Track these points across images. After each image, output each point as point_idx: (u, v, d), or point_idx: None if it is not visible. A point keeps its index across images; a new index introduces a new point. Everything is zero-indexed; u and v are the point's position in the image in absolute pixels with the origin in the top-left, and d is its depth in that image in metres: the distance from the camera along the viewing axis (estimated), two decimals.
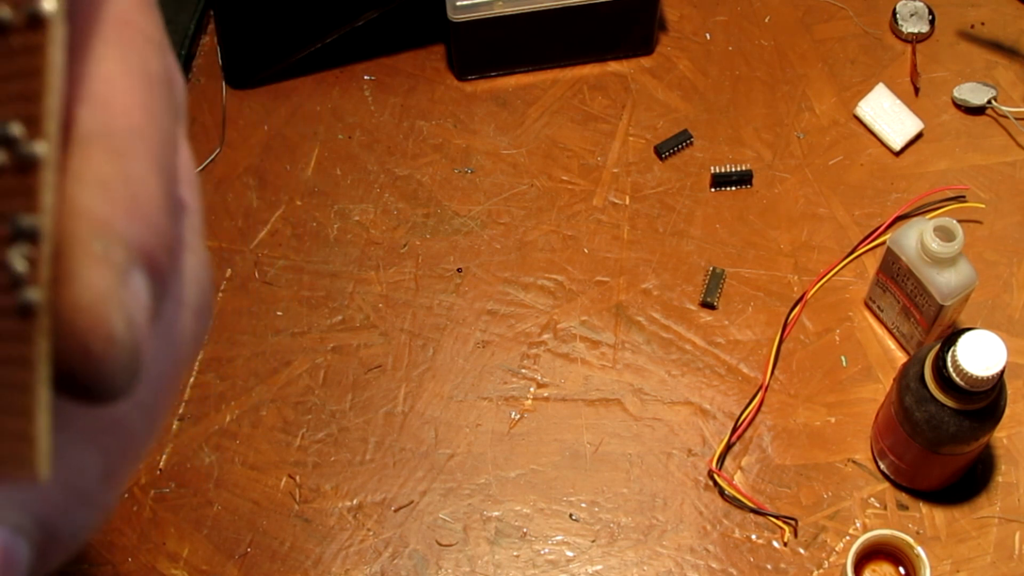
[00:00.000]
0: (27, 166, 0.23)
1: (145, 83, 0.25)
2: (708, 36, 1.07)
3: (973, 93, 1.02)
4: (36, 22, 0.23)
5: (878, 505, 0.88)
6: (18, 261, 0.23)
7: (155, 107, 0.25)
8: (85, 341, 0.23)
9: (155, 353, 0.26)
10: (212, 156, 1.03)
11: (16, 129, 0.24)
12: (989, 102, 1.02)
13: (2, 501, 0.24)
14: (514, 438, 0.91)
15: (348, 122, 1.04)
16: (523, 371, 0.94)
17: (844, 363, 0.93)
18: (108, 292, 0.23)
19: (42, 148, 0.23)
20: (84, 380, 0.23)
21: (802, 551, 0.87)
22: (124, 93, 0.25)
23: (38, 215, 0.23)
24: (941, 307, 0.84)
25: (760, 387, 0.92)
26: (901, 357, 0.93)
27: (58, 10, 0.23)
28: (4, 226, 0.24)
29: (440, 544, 0.88)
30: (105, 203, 0.24)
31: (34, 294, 0.23)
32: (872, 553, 0.85)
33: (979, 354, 0.75)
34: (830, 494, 0.88)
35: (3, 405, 0.24)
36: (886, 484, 0.89)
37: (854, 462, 0.90)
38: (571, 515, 0.89)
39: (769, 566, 0.86)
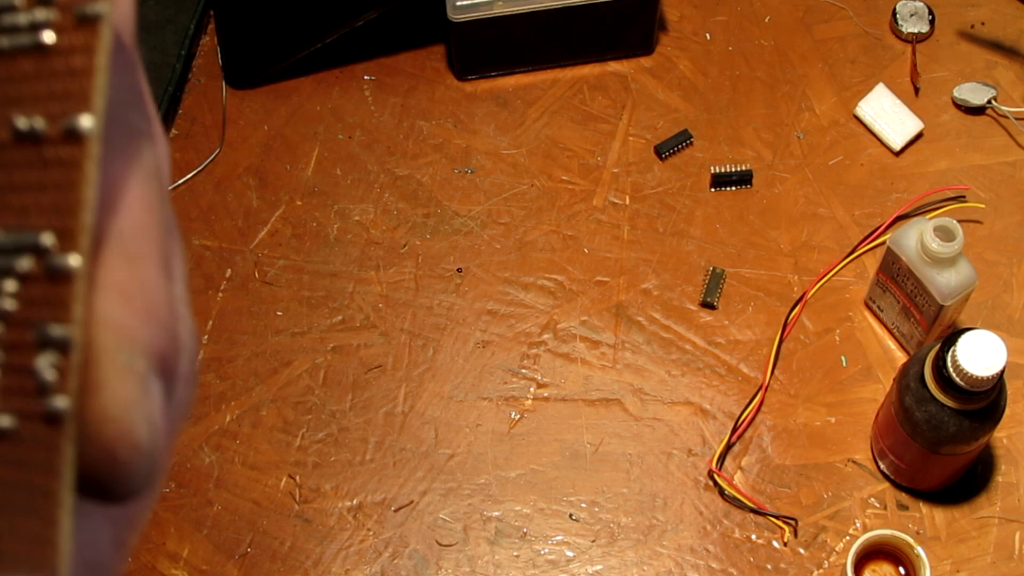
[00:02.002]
0: (58, 277, 0.24)
1: (146, 185, 0.26)
2: (708, 36, 1.07)
3: (973, 93, 1.02)
4: (73, 136, 0.24)
5: (878, 505, 0.88)
6: (47, 370, 0.24)
7: (154, 206, 0.26)
8: (112, 449, 0.24)
9: None
10: (212, 156, 1.03)
11: (47, 239, 0.24)
12: (989, 102, 1.02)
13: None
14: (514, 438, 0.91)
15: (348, 122, 1.04)
16: (523, 371, 0.94)
17: (844, 363, 0.93)
18: (134, 402, 0.24)
19: (76, 261, 0.24)
20: (108, 484, 0.24)
21: (802, 551, 0.87)
22: (130, 195, 0.25)
23: (69, 326, 0.24)
24: (941, 307, 0.84)
25: (760, 387, 0.92)
26: (901, 357, 0.93)
27: (96, 128, 0.24)
28: (30, 333, 0.24)
29: (440, 544, 0.88)
30: (126, 312, 0.24)
31: (62, 402, 0.24)
32: (872, 553, 0.85)
33: (979, 354, 0.75)
34: (830, 494, 0.88)
35: (25, 507, 0.24)
36: (886, 484, 0.89)
37: (854, 462, 0.90)
38: (571, 515, 0.89)
39: (769, 566, 0.86)
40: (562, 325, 0.95)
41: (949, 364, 0.76)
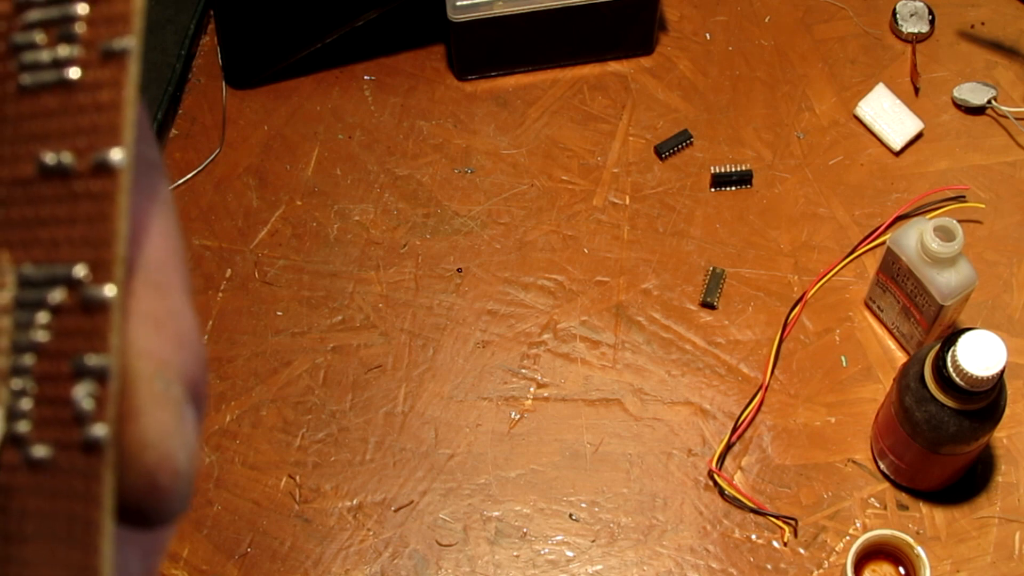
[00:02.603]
0: (93, 308, 0.24)
1: (165, 216, 0.27)
2: (708, 36, 1.07)
3: (973, 93, 1.02)
4: (104, 170, 0.24)
5: (878, 505, 0.88)
6: (85, 399, 0.24)
7: (173, 236, 0.27)
8: (153, 475, 0.24)
9: None
10: (212, 156, 1.03)
11: (81, 271, 0.24)
12: (989, 102, 1.02)
13: None
14: (514, 438, 0.91)
15: (348, 122, 1.04)
16: (523, 371, 0.94)
17: (844, 363, 0.93)
18: (172, 428, 0.25)
19: (110, 292, 0.24)
20: (148, 511, 0.25)
21: (802, 551, 0.87)
22: (152, 226, 0.26)
23: (107, 355, 0.24)
24: (941, 307, 0.84)
25: (760, 387, 0.92)
26: (901, 357, 0.93)
27: (127, 160, 0.24)
28: (64, 363, 0.24)
29: (440, 544, 0.88)
30: (159, 340, 0.25)
31: (101, 430, 0.24)
32: (872, 553, 0.85)
33: (979, 354, 0.75)
34: (830, 494, 0.88)
35: (65, 537, 0.24)
36: (886, 484, 0.89)
37: (854, 462, 0.90)
38: (571, 515, 0.89)
39: (769, 566, 0.86)
40: (562, 325, 0.95)
41: (949, 364, 0.76)
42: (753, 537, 0.87)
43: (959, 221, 0.84)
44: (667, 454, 0.90)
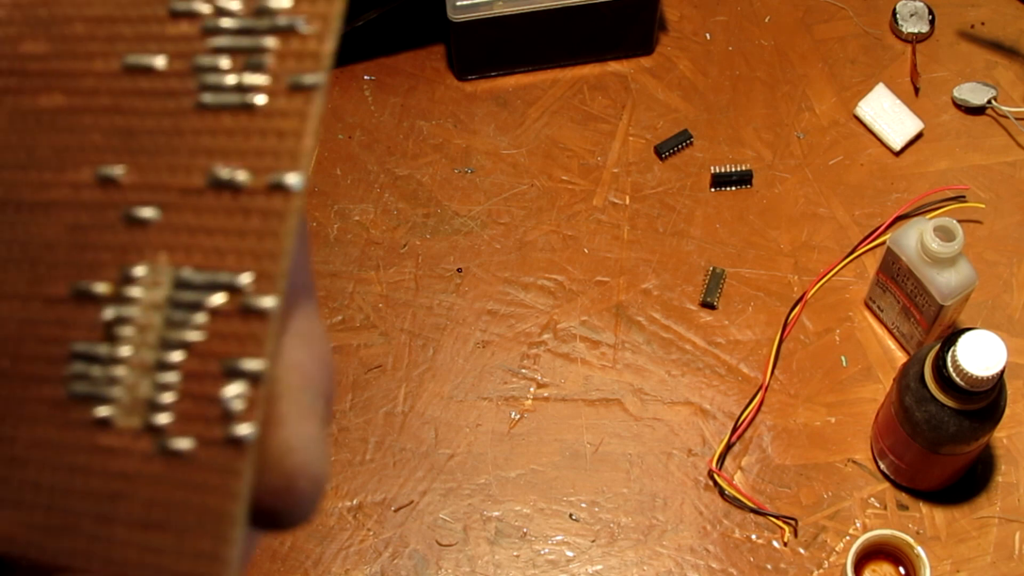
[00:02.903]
0: (252, 315, 0.26)
1: (305, 245, 0.29)
2: (708, 36, 1.07)
3: (973, 93, 1.02)
4: (280, 190, 0.26)
5: (878, 505, 0.88)
6: (235, 399, 0.25)
7: (310, 265, 0.29)
8: (292, 479, 0.26)
9: None
10: None
11: (245, 280, 0.26)
12: (989, 102, 1.02)
13: None
14: (514, 438, 0.91)
15: (348, 122, 1.04)
16: (523, 371, 0.94)
17: (844, 363, 0.93)
18: (315, 438, 0.26)
19: (271, 303, 0.26)
20: (281, 512, 0.26)
21: (802, 551, 0.87)
22: (298, 253, 0.28)
23: (261, 361, 0.25)
24: (941, 307, 0.84)
25: (760, 387, 0.92)
26: (901, 357, 0.93)
27: (302, 184, 0.26)
28: (215, 364, 0.26)
29: (440, 544, 0.88)
30: (309, 357, 0.27)
31: (247, 430, 0.25)
32: (872, 553, 0.85)
33: (979, 354, 0.75)
34: (830, 494, 0.88)
35: (195, 527, 0.25)
36: (886, 484, 0.89)
37: (854, 462, 0.90)
38: (571, 515, 0.89)
39: (769, 566, 0.86)
40: (562, 325, 0.95)
41: (949, 364, 0.76)
42: (753, 537, 0.87)
43: (959, 221, 0.84)
44: (667, 454, 0.90)
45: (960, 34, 1.06)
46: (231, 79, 0.27)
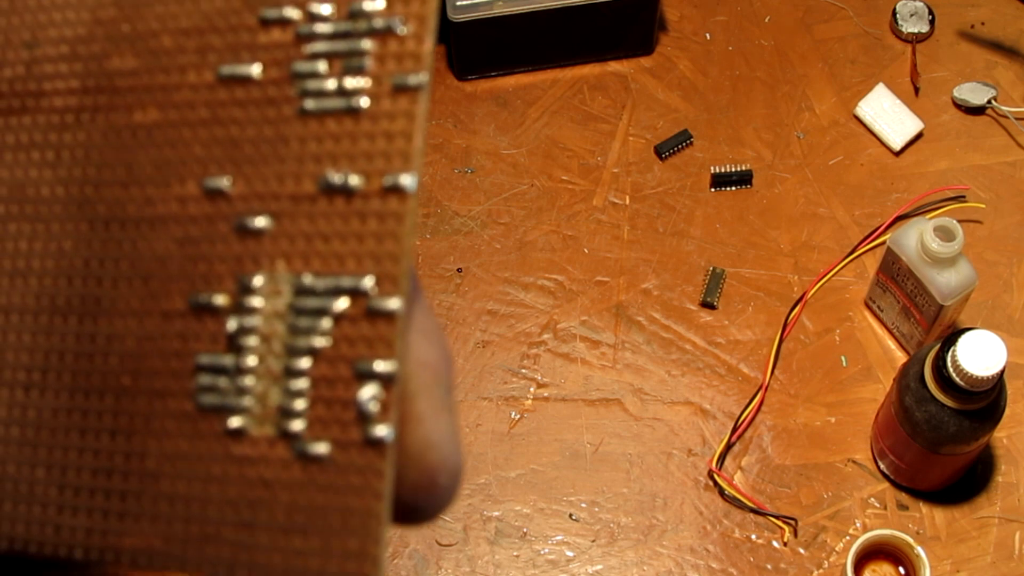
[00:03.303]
0: (378, 318, 0.26)
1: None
2: (708, 36, 1.07)
3: (973, 93, 1.02)
4: (395, 192, 0.26)
5: (878, 505, 0.88)
6: (370, 402, 0.26)
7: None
8: (433, 475, 0.26)
9: None
10: None
11: (368, 283, 0.26)
12: (989, 102, 1.02)
13: None
14: (514, 438, 0.91)
15: None
16: (523, 371, 0.94)
17: (844, 363, 0.93)
18: (452, 432, 0.27)
19: (396, 304, 0.26)
20: (423, 507, 0.27)
21: (802, 551, 0.87)
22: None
23: (392, 362, 0.26)
24: (941, 307, 0.84)
25: (760, 387, 0.92)
26: (901, 357, 0.93)
27: (416, 184, 0.26)
28: (346, 368, 0.26)
29: (440, 544, 0.88)
30: (435, 353, 0.27)
31: (384, 430, 0.26)
32: (872, 553, 0.85)
33: (979, 354, 0.75)
34: (830, 494, 0.88)
35: (342, 528, 0.26)
36: (886, 484, 0.89)
37: (854, 462, 0.90)
38: (571, 515, 0.89)
39: (769, 566, 0.86)
40: (562, 325, 0.95)
41: (949, 364, 0.76)
42: (753, 537, 0.87)
43: (959, 221, 0.84)
44: (667, 454, 0.90)
45: (960, 34, 1.06)
46: (332, 84, 0.27)
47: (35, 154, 0.29)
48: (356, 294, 0.26)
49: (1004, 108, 1.01)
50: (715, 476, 0.89)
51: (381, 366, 0.26)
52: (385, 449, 0.26)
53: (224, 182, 0.28)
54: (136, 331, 0.28)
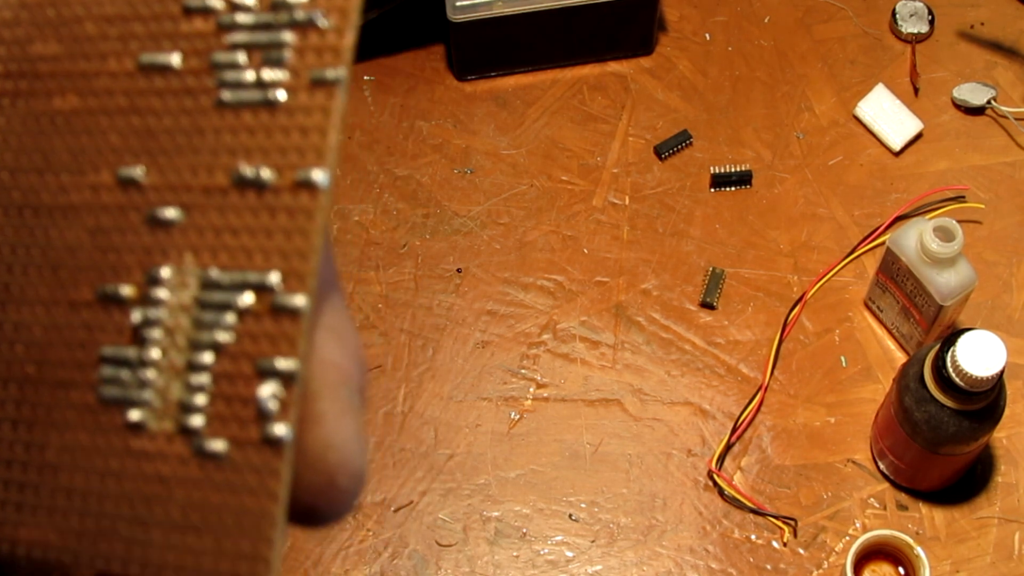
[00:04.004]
0: (283, 315, 0.26)
1: (329, 241, 0.28)
2: (708, 36, 1.07)
3: (973, 93, 1.02)
4: (307, 187, 0.26)
5: (878, 505, 0.88)
6: (269, 399, 0.25)
7: (334, 263, 0.29)
8: (333, 476, 0.26)
9: None
10: None
11: (274, 279, 0.26)
12: (989, 102, 1.02)
13: None
14: (514, 438, 0.91)
15: (348, 122, 1.04)
16: (523, 371, 0.94)
17: (844, 363, 0.93)
18: (354, 434, 0.26)
19: (302, 301, 0.26)
20: (322, 509, 0.26)
21: (802, 551, 0.87)
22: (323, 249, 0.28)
23: (295, 360, 0.25)
24: (941, 307, 0.84)
25: (760, 387, 0.92)
26: (901, 357, 0.93)
27: (329, 181, 0.26)
28: (247, 364, 0.26)
29: (440, 544, 0.88)
30: (343, 353, 0.27)
31: (283, 430, 0.25)
32: (872, 553, 0.85)
33: (979, 354, 0.75)
34: (830, 494, 0.88)
35: (234, 528, 0.25)
36: (886, 484, 0.89)
37: (854, 462, 0.90)
38: (571, 515, 0.89)
39: (769, 566, 0.86)
40: (562, 325, 0.95)
41: (949, 364, 0.76)
42: (753, 537, 0.87)
43: (959, 221, 0.84)
44: (667, 454, 0.90)
45: (960, 34, 1.06)
46: (250, 75, 0.27)
47: None
48: (262, 290, 0.26)
49: (1004, 108, 1.01)
50: (715, 476, 0.89)
51: (283, 364, 0.25)
52: (282, 449, 0.25)
53: (138, 172, 0.27)
54: (43, 320, 0.28)
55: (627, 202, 1.00)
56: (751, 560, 0.87)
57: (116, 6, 0.28)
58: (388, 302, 0.96)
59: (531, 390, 0.93)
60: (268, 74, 0.27)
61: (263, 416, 0.25)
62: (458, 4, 0.98)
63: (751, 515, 0.88)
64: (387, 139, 1.03)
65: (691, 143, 1.02)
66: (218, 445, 0.26)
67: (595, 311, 0.96)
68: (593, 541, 0.88)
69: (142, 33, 0.28)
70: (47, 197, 0.28)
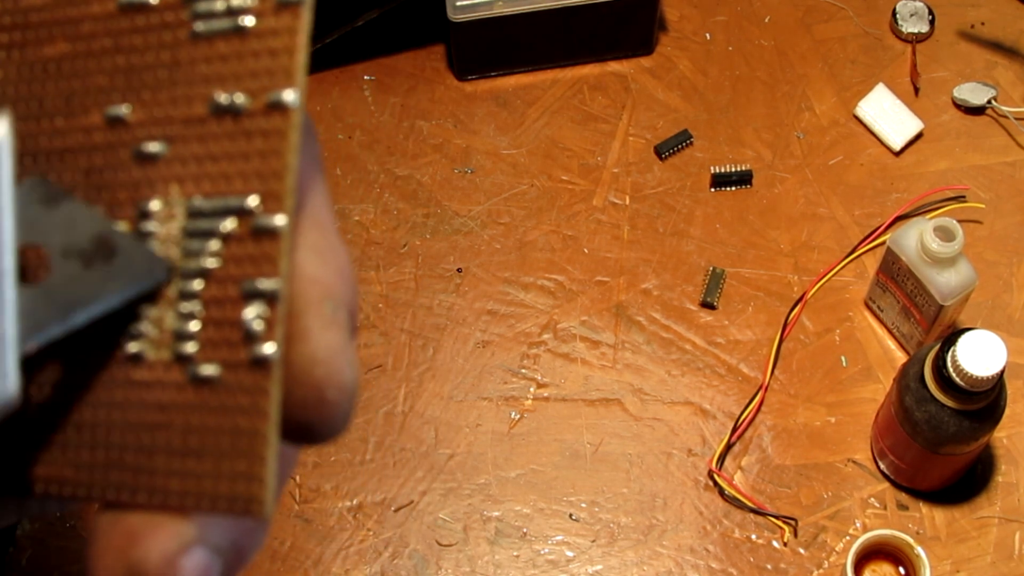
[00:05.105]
0: (263, 236, 0.26)
1: (317, 164, 0.29)
2: (708, 36, 1.07)
3: (973, 93, 1.02)
4: (278, 108, 0.26)
5: (878, 505, 0.88)
6: (255, 320, 0.26)
7: (324, 184, 0.29)
8: (321, 390, 0.26)
9: None
10: None
11: (253, 202, 0.26)
12: (989, 102, 1.02)
13: (212, 525, 0.26)
14: (514, 438, 0.91)
15: (348, 122, 1.04)
16: (523, 371, 0.94)
17: (844, 363, 0.93)
18: (340, 347, 0.26)
19: (281, 221, 0.26)
20: (314, 424, 0.26)
21: (802, 551, 0.87)
22: (306, 169, 0.28)
23: (277, 279, 0.26)
24: (941, 307, 0.84)
25: (760, 387, 0.92)
26: (901, 357, 0.93)
27: (300, 101, 0.26)
28: (234, 288, 0.26)
29: (440, 544, 0.88)
30: (326, 270, 0.27)
31: (270, 348, 0.26)
32: (872, 553, 0.85)
33: (979, 354, 0.75)
34: (830, 494, 0.88)
35: (229, 450, 0.26)
36: (886, 484, 0.89)
37: (854, 462, 0.90)
38: (571, 515, 0.89)
39: (769, 566, 0.86)
40: (562, 325, 0.95)
41: (949, 364, 0.76)
42: (753, 537, 0.87)
43: (959, 221, 0.84)
44: (667, 454, 0.90)
45: (960, 34, 1.06)
46: (220, 4, 0.27)
47: None
48: (242, 214, 0.26)
49: (1004, 108, 1.01)
50: (715, 476, 0.89)
51: (265, 284, 0.26)
52: (270, 367, 0.26)
53: (124, 110, 0.28)
54: None
55: (627, 202, 1.00)
56: (751, 560, 0.87)
57: None
58: (388, 302, 0.96)
59: (531, 390, 0.93)
60: (237, 1, 0.27)
61: (250, 337, 0.26)
62: (458, 4, 0.98)
63: (751, 515, 0.88)
64: (387, 139, 1.03)
65: (691, 143, 1.02)
66: (210, 369, 0.26)
67: (595, 311, 0.96)
68: (593, 541, 0.88)
69: None
70: (44, 142, 0.29)
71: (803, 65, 1.05)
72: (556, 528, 0.88)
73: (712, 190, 1.00)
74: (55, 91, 0.29)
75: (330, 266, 0.27)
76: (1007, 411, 0.80)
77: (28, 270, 0.27)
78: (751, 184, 1.00)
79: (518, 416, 0.92)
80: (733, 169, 1.00)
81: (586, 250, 0.98)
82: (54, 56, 0.29)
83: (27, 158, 0.29)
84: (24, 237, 0.26)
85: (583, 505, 0.89)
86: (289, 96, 0.26)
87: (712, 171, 1.00)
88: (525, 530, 0.88)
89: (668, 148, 1.01)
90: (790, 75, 1.05)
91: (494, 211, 1.00)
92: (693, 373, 0.93)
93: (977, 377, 0.75)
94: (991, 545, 0.86)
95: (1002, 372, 0.75)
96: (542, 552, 0.88)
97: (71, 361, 0.28)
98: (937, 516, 0.87)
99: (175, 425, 0.27)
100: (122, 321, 0.27)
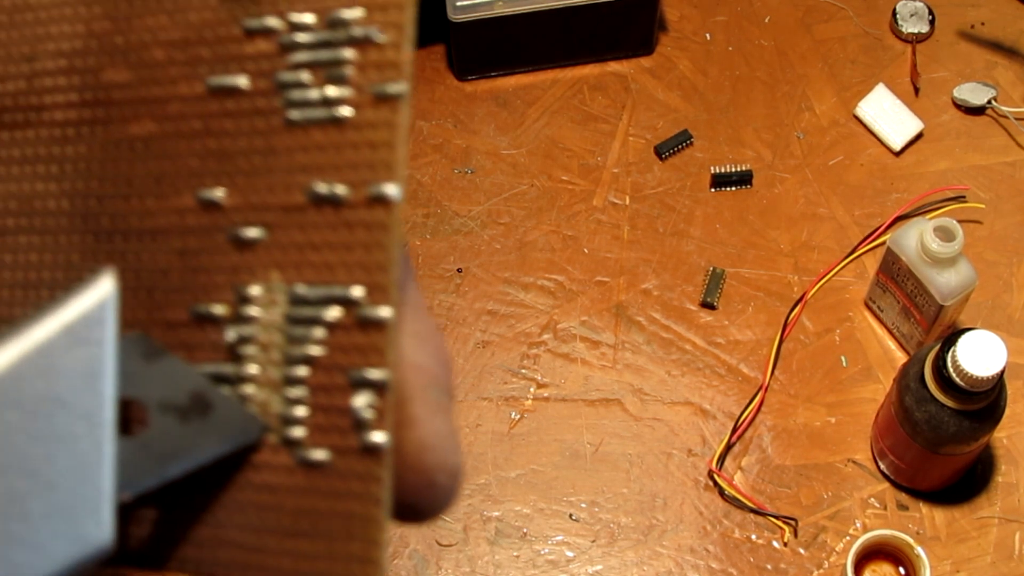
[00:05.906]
0: (369, 326, 0.26)
1: (406, 255, 0.29)
2: (708, 36, 1.07)
3: (973, 93, 1.02)
4: (380, 202, 0.26)
5: (878, 505, 0.88)
6: (365, 409, 0.26)
7: (411, 266, 0.30)
8: (432, 476, 0.27)
9: None
10: None
11: (358, 292, 0.26)
12: (989, 102, 1.02)
13: None
14: (514, 438, 0.91)
15: None
16: (523, 371, 0.94)
17: (844, 363, 0.93)
18: (447, 433, 0.27)
19: (387, 312, 0.26)
20: (424, 507, 0.27)
21: (802, 551, 0.87)
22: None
23: (385, 369, 0.26)
24: (941, 307, 0.84)
25: (760, 387, 0.92)
26: (901, 357, 0.93)
27: (401, 194, 0.26)
28: (340, 376, 0.27)
29: (440, 544, 0.88)
30: (427, 356, 0.28)
31: (381, 436, 0.26)
32: (872, 553, 0.85)
33: (979, 354, 0.75)
34: (830, 494, 0.88)
35: (344, 533, 0.26)
36: (886, 484, 0.89)
37: (854, 462, 0.90)
38: (571, 515, 0.89)
39: (769, 566, 0.86)
40: (562, 325, 0.95)
41: (949, 364, 0.76)
42: (753, 537, 0.87)
43: (959, 221, 0.84)
44: (667, 454, 0.90)
45: (960, 34, 1.06)
46: (315, 93, 0.27)
47: (40, 167, 0.30)
48: (347, 303, 0.27)
49: (1004, 108, 1.01)
50: (715, 476, 0.89)
51: (374, 374, 0.26)
52: (382, 455, 0.26)
53: (218, 193, 0.28)
54: None
55: (627, 202, 1.00)
56: (751, 560, 0.87)
57: (180, 31, 0.29)
58: None
59: (531, 390, 0.93)
60: (332, 91, 0.27)
61: (360, 425, 0.26)
62: (458, 4, 0.98)
63: (751, 515, 0.88)
64: None
65: (691, 143, 1.02)
66: (320, 455, 0.27)
67: (595, 311, 0.96)
68: (593, 541, 0.88)
69: (208, 56, 0.28)
70: (135, 222, 0.29)
71: (803, 65, 1.05)
72: (556, 528, 0.88)
73: (712, 190, 1.00)
74: (144, 171, 0.29)
75: (431, 352, 0.28)
76: (1007, 411, 0.80)
77: (127, 423, 0.27)
78: (751, 184, 1.00)
79: (518, 416, 0.92)
80: (733, 169, 1.00)
81: (586, 250, 0.98)
82: (141, 135, 0.29)
83: (117, 236, 0.29)
84: (125, 390, 0.26)
85: (583, 505, 0.89)
86: (391, 190, 0.26)
87: (712, 171, 1.00)
88: (525, 530, 0.88)
89: (668, 148, 1.01)
90: (790, 75, 1.05)
91: (494, 211, 1.00)
92: (693, 373, 0.93)
93: (977, 377, 0.75)
94: (991, 545, 0.86)
95: (1002, 372, 0.75)
96: (542, 552, 0.88)
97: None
98: (937, 516, 0.88)
99: (285, 506, 0.27)
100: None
